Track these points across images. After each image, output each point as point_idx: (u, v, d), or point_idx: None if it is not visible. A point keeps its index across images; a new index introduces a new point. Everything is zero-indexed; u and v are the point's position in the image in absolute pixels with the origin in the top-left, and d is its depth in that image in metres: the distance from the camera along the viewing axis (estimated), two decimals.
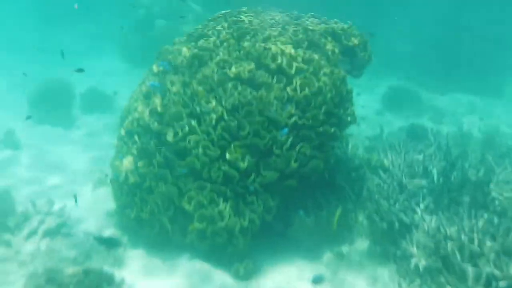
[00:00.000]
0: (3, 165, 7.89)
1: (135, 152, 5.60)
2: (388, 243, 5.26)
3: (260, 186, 5.10)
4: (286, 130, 5.02)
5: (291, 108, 5.16)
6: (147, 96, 5.90)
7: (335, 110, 5.37)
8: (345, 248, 5.47)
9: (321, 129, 5.22)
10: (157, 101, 5.62)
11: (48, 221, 5.71)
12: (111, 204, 6.12)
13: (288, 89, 5.21)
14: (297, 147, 5.14)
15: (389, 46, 13.85)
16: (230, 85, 5.25)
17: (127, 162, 5.58)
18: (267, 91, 5.22)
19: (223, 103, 5.19)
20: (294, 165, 5.09)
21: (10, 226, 5.66)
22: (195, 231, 5.14)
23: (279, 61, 5.34)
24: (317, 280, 5.03)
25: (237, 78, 5.31)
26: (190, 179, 5.25)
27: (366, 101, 11.47)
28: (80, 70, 6.01)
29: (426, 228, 4.58)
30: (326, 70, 5.47)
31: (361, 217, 5.58)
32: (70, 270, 4.61)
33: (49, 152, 8.62)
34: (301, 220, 5.30)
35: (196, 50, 5.84)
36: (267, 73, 5.33)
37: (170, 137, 5.29)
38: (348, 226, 5.65)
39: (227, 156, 5.08)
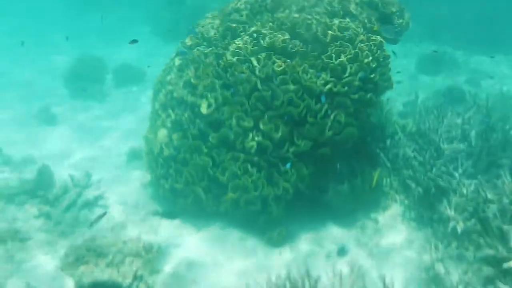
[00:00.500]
0: (41, 140, 8.08)
1: (169, 124, 5.62)
2: (424, 208, 5.17)
3: (293, 155, 5.05)
4: (323, 98, 4.92)
5: (325, 76, 5.06)
6: (180, 69, 5.89)
7: (371, 76, 5.22)
8: (379, 214, 5.41)
9: (356, 95, 5.09)
10: (190, 73, 5.60)
11: (86, 194, 5.85)
12: (145, 176, 6.21)
13: (323, 57, 5.10)
14: (332, 115, 5.04)
15: (424, 8, 13.30)
16: (264, 55, 5.18)
17: (162, 135, 5.61)
18: (301, 60, 5.12)
19: (257, 73, 5.12)
20: (328, 133, 5.00)
21: (50, 198, 5.81)
22: (229, 200, 5.15)
23: (314, 30, 5.23)
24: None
25: (271, 48, 5.24)
26: (224, 150, 5.24)
27: (400, 66, 11.11)
28: (134, 41, 6.00)
29: (464, 191, 4.45)
30: (363, 37, 5.33)
31: (395, 184, 5.49)
32: (109, 239, 4.69)
33: (83, 126, 8.76)
34: (335, 188, 5.23)
35: (229, 23, 5.79)
36: (302, 43, 5.23)
37: (203, 108, 5.28)
38: (383, 192, 5.57)
39: (261, 126, 5.03)
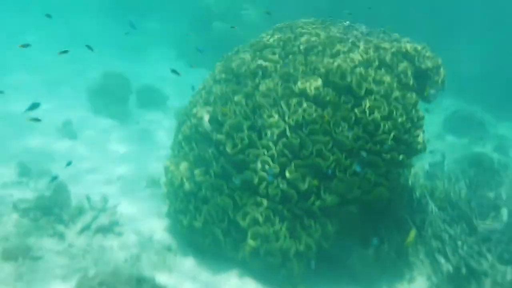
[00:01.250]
0: (60, 156, 8.05)
1: (191, 158, 5.55)
2: None
3: (318, 209, 4.93)
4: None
5: (357, 131, 4.97)
6: (207, 103, 5.84)
7: (404, 137, 5.13)
8: (404, 287, 5.23)
9: (388, 155, 4.99)
10: (217, 109, 5.54)
11: (102, 217, 5.78)
12: (163, 207, 6.13)
13: (357, 110, 5.02)
14: (362, 173, 4.94)
15: (454, 66, 13.05)
16: (294, 100, 5.11)
17: (183, 168, 5.54)
18: (333, 111, 5.05)
19: (286, 119, 5.05)
20: (357, 191, 4.90)
21: (65, 218, 5.75)
22: (249, 248, 5.03)
23: (349, 79, 5.15)
24: None
25: (303, 94, 5.16)
26: (247, 193, 5.15)
27: (427, 122, 10.88)
28: (175, 72, 5.88)
29: (499, 280, 4.27)
30: (398, 93, 5.25)
31: (422, 254, 5.32)
32: (123, 275, 4.60)
33: (104, 146, 8.77)
34: (360, 251, 5.09)
35: (260, 61, 5.72)
36: (335, 92, 5.15)
37: (229, 148, 5.20)
38: (408, 262, 5.41)
39: (287, 174, 4.94)
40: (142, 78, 11.75)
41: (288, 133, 4.99)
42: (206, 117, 5.62)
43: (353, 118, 5.00)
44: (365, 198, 4.94)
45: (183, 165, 5.57)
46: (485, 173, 6.99)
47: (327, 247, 4.95)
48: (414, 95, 5.42)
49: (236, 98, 5.49)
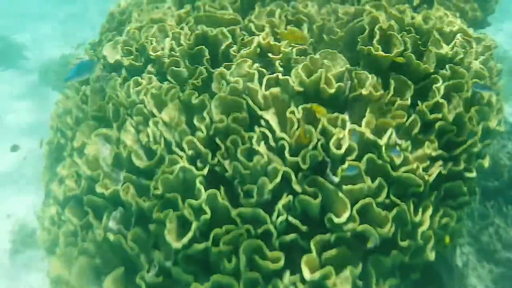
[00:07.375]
0: None
1: (92, 249, 2.67)
2: None
3: None
4: None
5: (428, 147, 2.41)
6: (99, 121, 2.89)
7: (488, 121, 2.68)
8: None
9: (474, 172, 2.53)
10: (128, 141, 2.63)
11: None
12: None
13: (423, 106, 2.41)
14: (437, 219, 2.45)
15: None
16: (299, 112, 2.35)
17: (78, 277, 2.65)
18: (376, 114, 2.40)
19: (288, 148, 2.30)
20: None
21: None
22: None
23: (398, 46, 2.47)
24: None
25: (312, 92, 2.42)
26: None
27: None
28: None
29: None
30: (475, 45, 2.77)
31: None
32: None
33: None
34: None
35: (200, 29, 2.80)
36: (368, 70, 2.47)
37: (174, 241, 2.40)
38: None
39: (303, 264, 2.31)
40: None
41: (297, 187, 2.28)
42: (106, 160, 2.69)
43: (416, 123, 2.40)
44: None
45: (77, 270, 2.66)
46: None
47: None
48: (487, 34, 3.01)
49: (165, 117, 2.56)
